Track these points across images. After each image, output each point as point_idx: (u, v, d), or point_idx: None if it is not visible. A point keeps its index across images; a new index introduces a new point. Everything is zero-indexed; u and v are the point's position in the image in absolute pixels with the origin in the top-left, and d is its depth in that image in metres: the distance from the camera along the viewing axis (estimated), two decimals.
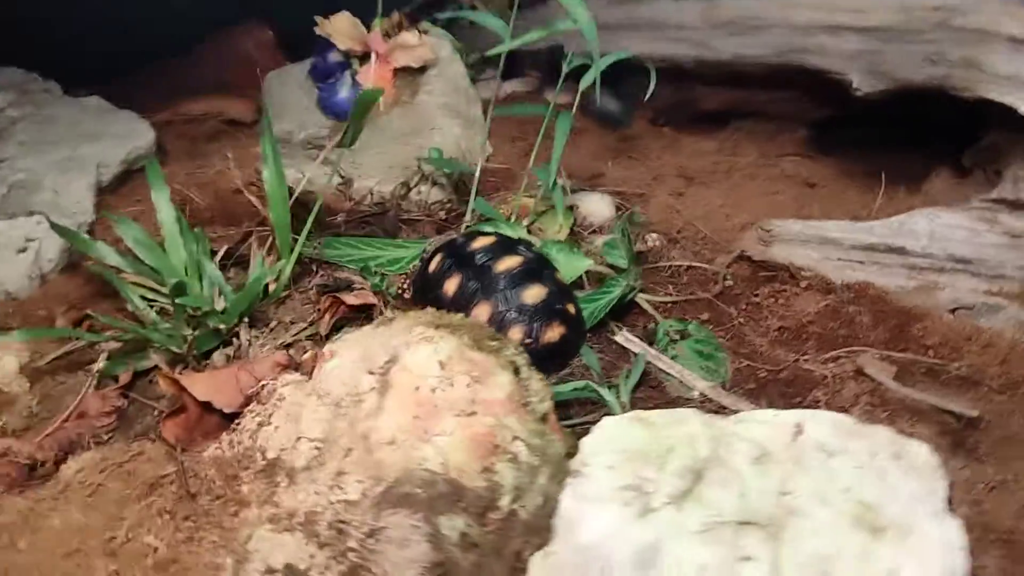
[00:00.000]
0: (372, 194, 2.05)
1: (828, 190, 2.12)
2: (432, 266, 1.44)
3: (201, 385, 1.24)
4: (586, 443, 1.01)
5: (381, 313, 1.45)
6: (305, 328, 1.48)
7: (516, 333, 1.33)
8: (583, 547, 0.92)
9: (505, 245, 1.42)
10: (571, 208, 1.92)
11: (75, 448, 1.30)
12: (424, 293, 1.45)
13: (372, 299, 1.44)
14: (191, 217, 1.74)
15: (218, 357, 1.39)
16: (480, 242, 1.43)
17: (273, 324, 1.49)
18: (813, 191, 2.14)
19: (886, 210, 1.88)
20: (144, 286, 1.47)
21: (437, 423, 0.97)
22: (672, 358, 1.40)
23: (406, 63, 2.37)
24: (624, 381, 1.33)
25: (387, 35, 2.37)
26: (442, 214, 2.06)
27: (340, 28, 2.26)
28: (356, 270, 1.61)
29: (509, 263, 1.37)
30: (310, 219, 1.51)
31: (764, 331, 1.49)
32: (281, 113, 2.45)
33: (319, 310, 1.48)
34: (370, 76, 2.35)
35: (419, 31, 2.29)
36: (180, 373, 1.36)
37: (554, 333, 1.33)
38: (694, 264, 1.74)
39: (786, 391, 1.32)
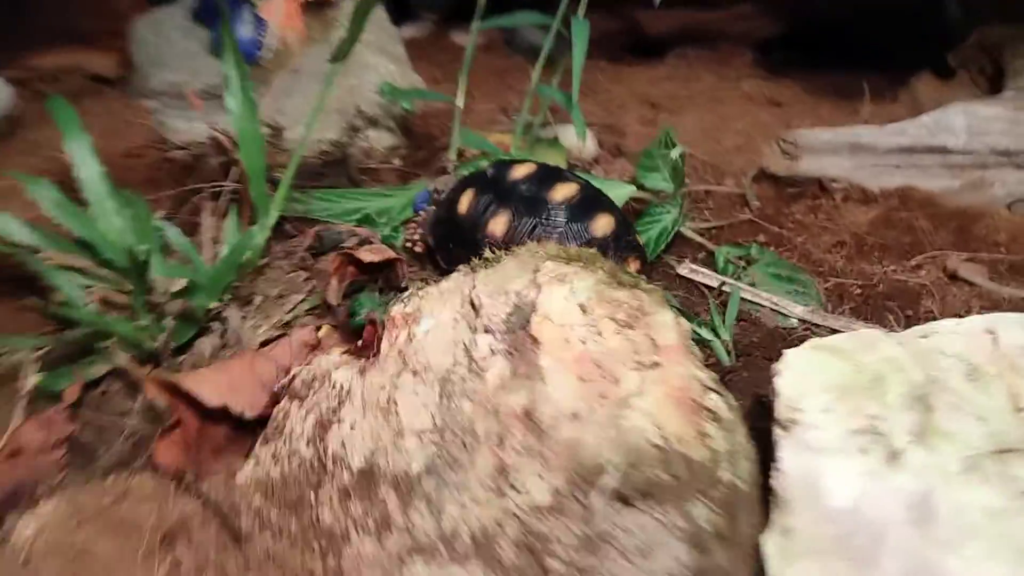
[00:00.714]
0: (320, 142, 1.70)
1: (800, 107, 2.02)
2: (463, 206, 1.16)
3: (209, 386, 0.91)
4: (781, 384, 0.80)
5: (401, 271, 1.15)
6: (303, 300, 1.16)
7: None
8: (835, 513, 0.71)
9: (550, 172, 1.17)
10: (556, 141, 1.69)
11: (18, 501, 0.92)
12: (452, 240, 1.17)
13: (391, 253, 1.14)
14: None
15: (203, 346, 1.04)
16: (520, 170, 1.16)
17: (258, 300, 1.15)
18: (782, 109, 2.03)
19: (878, 120, 1.79)
20: (74, 268, 1.08)
21: (617, 384, 0.72)
22: (750, 286, 1.21)
23: None
24: (716, 317, 1.12)
25: None
26: (397, 161, 1.75)
27: None
28: (347, 224, 1.29)
29: (565, 191, 1.12)
30: (291, 166, 1.18)
31: (826, 247, 1.34)
32: (162, 62, 2.01)
33: (323, 274, 1.15)
34: (274, 11, 1.97)
35: None
36: (160, 374, 1.00)
37: (631, 269, 1.10)
38: (712, 188, 1.56)
39: (891, 305, 1.17)
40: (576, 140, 1.75)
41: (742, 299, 1.18)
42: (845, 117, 1.87)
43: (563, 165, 1.59)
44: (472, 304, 0.81)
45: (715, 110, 2.00)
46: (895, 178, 1.46)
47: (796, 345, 0.83)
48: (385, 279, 1.17)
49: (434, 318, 0.83)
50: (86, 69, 2.09)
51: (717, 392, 0.76)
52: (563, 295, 0.78)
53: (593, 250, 0.88)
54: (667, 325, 0.78)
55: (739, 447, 0.75)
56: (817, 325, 1.13)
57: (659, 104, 2.05)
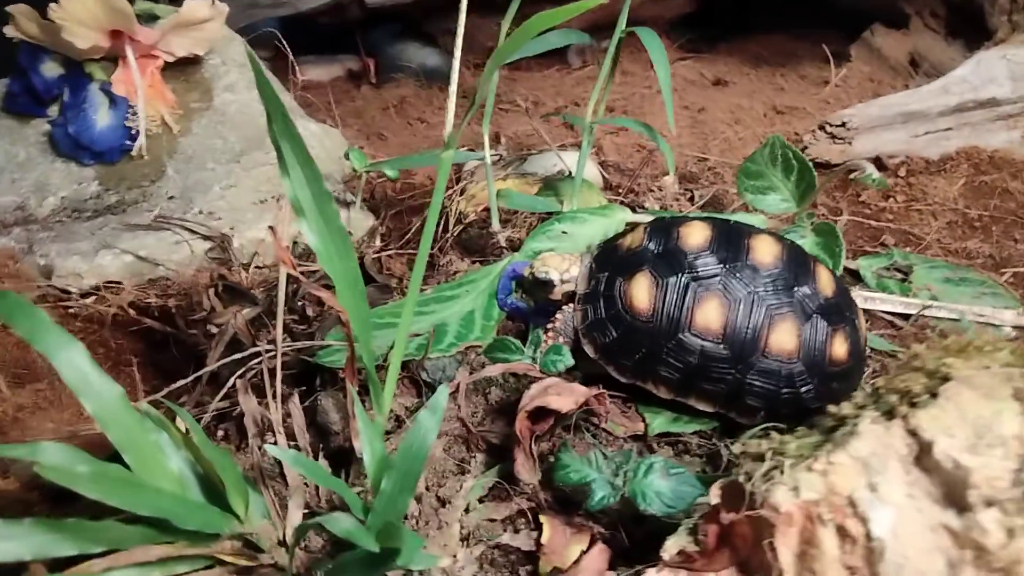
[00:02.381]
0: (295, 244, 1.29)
1: (756, 83, 1.91)
2: (640, 299, 0.87)
3: None
4: None
5: (604, 411, 0.84)
6: (469, 484, 0.82)
7: (841, 347, 0.86)
8: None
9: (732, 229, 0.91)
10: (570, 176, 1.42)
11: None
12: (632, 347, 0.88)
13: (584, 390, 0.83)
14: None
15: None
16: (694, 235, 0.90)
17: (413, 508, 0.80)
18: (736, 88, 1.90)
19: (854, 81, 1.72)
20: None
21: None
22: (932, 300, 1.05)
23: (189, 51, 1.57)
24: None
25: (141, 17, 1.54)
26: (377, 242, 1.40)
27: (76, 15, 1.37)
28: (449, 351, 0.95)
29: (770, 251, 0.88)
30: (408, 304, 0.83)
31: (938, 231, 1.22)
32: None
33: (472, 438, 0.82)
34: (131, 83, 1.51)
35: None
36: None
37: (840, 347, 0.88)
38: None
39: None
40: (594, 171, 1.50)
41: (939, 318, 1.02)
42: (817, 87, 1.78)
43: (601, 203, 1.33)
44: (926, 465, 0.55)
45: (677, 105, 1.83)
46: (951, 142, 1.37)
47: None
48: (572, 426, 0.85)
49: (885, 503, 0.56)
50: None
51: None
52: None
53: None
54: None
55: None
56: None
57: (612, 109, 1.84)
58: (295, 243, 1.31)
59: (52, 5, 1.30)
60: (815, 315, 0.85)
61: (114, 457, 0.71)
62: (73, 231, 1.35)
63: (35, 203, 1.42)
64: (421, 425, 0.72)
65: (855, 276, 1.12)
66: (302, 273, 1.13)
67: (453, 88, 0.79)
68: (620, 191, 1.43)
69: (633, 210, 1.18)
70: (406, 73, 2.15)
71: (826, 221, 1.09)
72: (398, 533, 0.61)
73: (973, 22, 1.62)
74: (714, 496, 0.67)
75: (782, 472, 0.61)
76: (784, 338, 0.84)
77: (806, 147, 1.41)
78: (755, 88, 1.87)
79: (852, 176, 1.34)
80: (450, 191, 1.46)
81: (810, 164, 1.08)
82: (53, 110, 1.49)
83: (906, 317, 1.04)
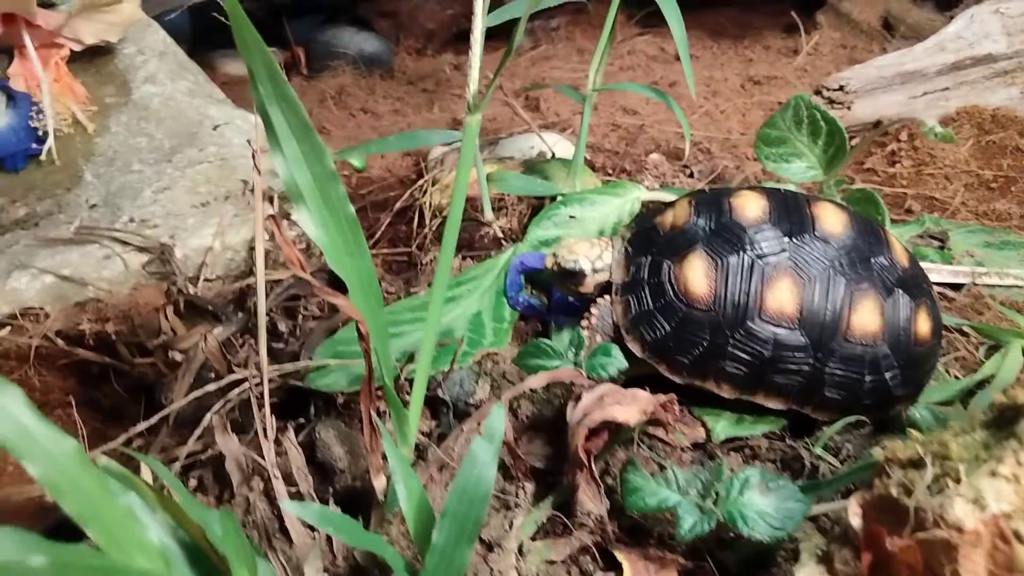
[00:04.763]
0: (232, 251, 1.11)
1: (722, 55, 1.81)
2: (697, 283, 0.74)
3: None
4: None
5: (671, 421, 0.71)
6: (519, 518, 0.67)
7: (925, 325, 0.75)
8: None
9: (789, 197, 0.79)
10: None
11: None
12: (689, 340, 0.75)
13: (652, 399, 0.69)
14: None
15: None
16: (749, 206, 0.77)
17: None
18: (703, 61, 1.81)
19: (826, 48, 1.65)
20: None
21: None
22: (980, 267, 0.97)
23: (99, 38, 1.37)
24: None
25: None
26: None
27: None
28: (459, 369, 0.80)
29: (838, 219, 0.77)
30: (430, 329, 0.68)
31: (957, 195, 1.14)
32: None
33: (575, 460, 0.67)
34: (33, 76, 1.31)
35: None
36: None
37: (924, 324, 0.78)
38: (741, 166, 1.29)
39: None
40: (560, 148, 1.36)
41: (992, 285, 0.93)
42: (786, 57, 1.70)
43: (598, 184, 1.20)
44: None
45: (645, 80, 1.72)
46: (951, 102, 1.30)
47: None
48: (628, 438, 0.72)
49: None
50: None
51: None
52: None
53: None
54: None
55: None
56: None
57: (578, 86, 1.71)
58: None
59: None
60: (896, 289, 0.74)
61: (71, 529, 0.54)
62: None
63: None
64: (476, 459, 0.57)
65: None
66: (274, 280, 0.95)
67: (477, 43, 0.64)
68: (610, 171, 1.30)
69: (641, 186, 1.05)
70: (342, 61, 1.97)
71: (860, 188, 0.99)
72: None
73: None
74: (855, 515, 0.54)
75: (957, 481, 0.49)
76: (867, 318, 0.73)
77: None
78: (723, 61, 1.78)
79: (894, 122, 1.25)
80: (420, 182, 1.30)
81: (840, 126, 0.97)
82: None
83: (956, 287, 0.94)
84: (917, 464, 0.52)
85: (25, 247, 1.12)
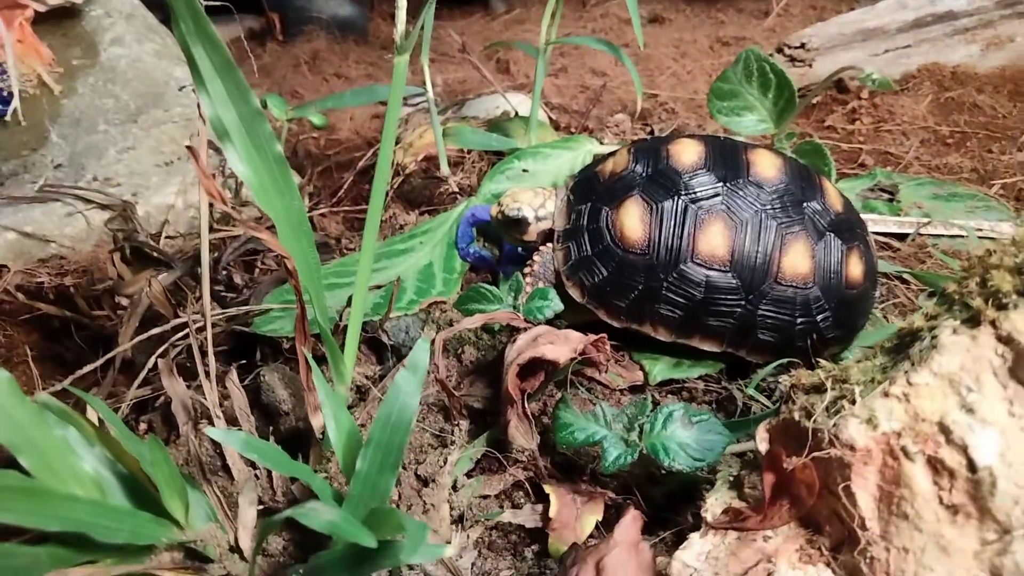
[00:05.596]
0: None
1: (694, 17, 1.81)
2: (633, 227, 0.76)
3: None
4: None
5: (604, 360, 0.72)
6: (455, 455, 0.69)
7: (857, 268, 0.77)
8: None
9: (726, 144, 0.81)
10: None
11: None
12: (627, 283, 0.77)
13: (582, 337, 0.71)
14: None
15: None
16: (685, 154, 0.78)
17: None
18: (675, 24, 1.81)
19: (796, 9, 1.65)
20: None
21: None
22: (925, 218, 0.98)
23: (64, 0, 1.37)
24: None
25: None
26: (306, 201, 1.23)
27: None
28: (412, 308, 0.81)
29: (772, 164, 0.78)
30: (361, 274, 0.69)
31: (913, 150, 1.15)
32: None
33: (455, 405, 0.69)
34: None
35: None
36: None
37: (856, 267, 0.79)
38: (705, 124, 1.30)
39: None
40: (521, 106, 1.37)
41: (937, 235, 0.95)
42: (758, 19, 1.70)
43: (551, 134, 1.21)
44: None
45: (616, 42, 1.72)
46: (912, 59, 1.31)
47: None
48: (562, 379, 0.73)
49: (986, 425, 0.46)
50: None
51: None
52: None
53: None
54: None
55: None
56: None
57: (563, 52, 1.72)
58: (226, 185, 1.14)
59: None
60: (828, 233, 0.76)
61: (8, 462, 0.55)
62: None
63: None
64: (400, 389, 0.58)
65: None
66: (222, 236, 0.97)
67: None
68: (573, 130, 1.31)
69: (600, 142, 1.06)
70: (316, 25, 1.97)
71: (809, 140, 1.00)
72: (392, 521, 0.48)
73: None
74: (762, 440, 0.56)
75: (852, 402, 0.50)
76: (798, 260, 0.74)
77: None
78: (695, 23, 1.78)
79: (854, 80, 1.26)
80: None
81: (789, 77, 0.98)
82: None
83: (901, 238, 0.96)
84: (819, 388, 0.54)
85: None
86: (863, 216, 0.94)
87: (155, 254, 0.85)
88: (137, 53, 1.42)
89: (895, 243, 0.96)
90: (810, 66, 1.29)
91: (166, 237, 1.13)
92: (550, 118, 1.40)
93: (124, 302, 0.81)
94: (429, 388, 0.74)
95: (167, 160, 1.24)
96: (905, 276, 0.89)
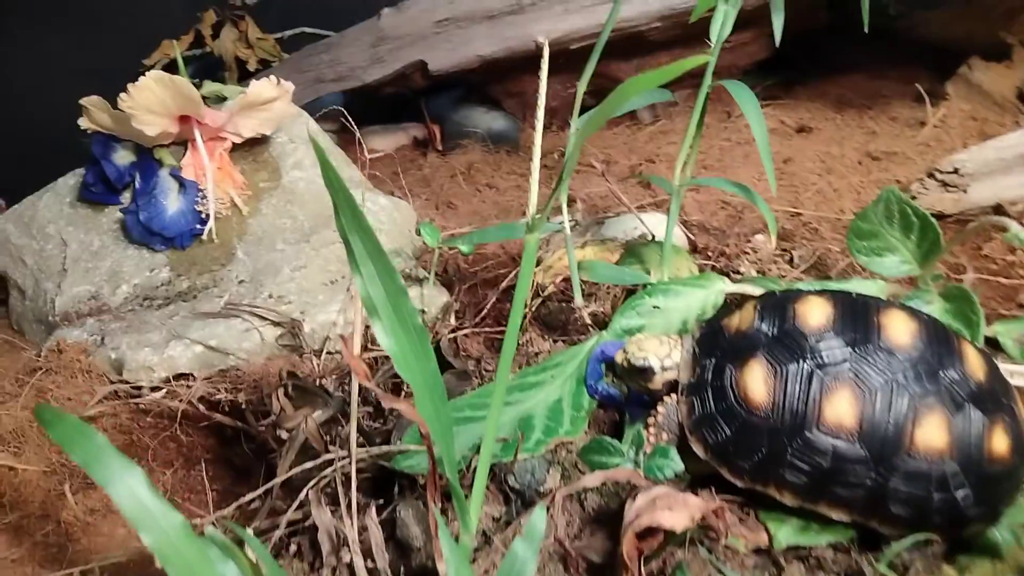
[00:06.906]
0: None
1: (844, 127, 1.78)
2: (756, 389, 0.76)
3: None
4: None
5: (724, 526, 0.73)
6: None
7: (1002, 442, 0.73)
8: None
9: (857, 304, 0.80)
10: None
11: None
12: (750, 446, 0.77)
13: (702, 503, 0.72)
14: None
15: None
16: (814, 313, 0.79)
17: None
18: (823, 134, 1.79)
19: (954, 120, 1.59)
20: None
21: None
22: None
23: (256, 131, 1.56)
24: None
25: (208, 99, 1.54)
26: (452, 320, 1.32)
27: (145, 103, 1.36)
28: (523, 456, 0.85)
29: (906, 328, 0.76)
30: (492, 418, 0.74)
31: None
32: (52, 273, 1.48)
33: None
34: (200, 167, 1.49)
35: (275, 77, 1.48)
36: None
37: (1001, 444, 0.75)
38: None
39: None
40: (661, 231, 1.40)
41: None
42: (912, 128, 1.65)
43: (691, 269, 1.23)
44: None
45: (752, 155, 1.72)
46: None
47: None
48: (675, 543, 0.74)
49: None
50: None
51: None
52: None
53: None
54: None
55: None
56: None
57: (706, 164, 1.74)
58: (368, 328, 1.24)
59: (122, 95, 1.30)
60: (967, 404, 0.73)
61: None
62: (144, 320, 1.32)
63: (108, 291, 1.41)
64: (516, 557, 0.62)
65: (993, 345, 0.99)
66: (372, 359, 1.06)
67: (536, 166, 0.70)
68: (710, 254, 1.32)
69: (729, 278, 1.07)
70: (472, 138, 2.12)
71: (957, 284, 0.97)
72: None
73: None
74: None
75: None
76: (933, 434, 0.72)
77: (915, 197, 1.28)
78: (843, 134, 1.75)
79: (1016, 205, 1.20)
80: None
81: (933, 220, 0.96)
82: (126, 197, 1.49)
83: None
84: None
85: (183, 319, 1.30)
86: (1021, 367, 0.89)
87: (314, 387, 0.95)
88: (313, 176, 1.59)
89: None
90: (964, 191, 1.24)
91: (327, 352, 1.24)
92: (689, 238, 1.42)
93: (284, 434, 0.91)
94: (549, 539, 0.77)
95: (332, 279, 1.37)
96: None
